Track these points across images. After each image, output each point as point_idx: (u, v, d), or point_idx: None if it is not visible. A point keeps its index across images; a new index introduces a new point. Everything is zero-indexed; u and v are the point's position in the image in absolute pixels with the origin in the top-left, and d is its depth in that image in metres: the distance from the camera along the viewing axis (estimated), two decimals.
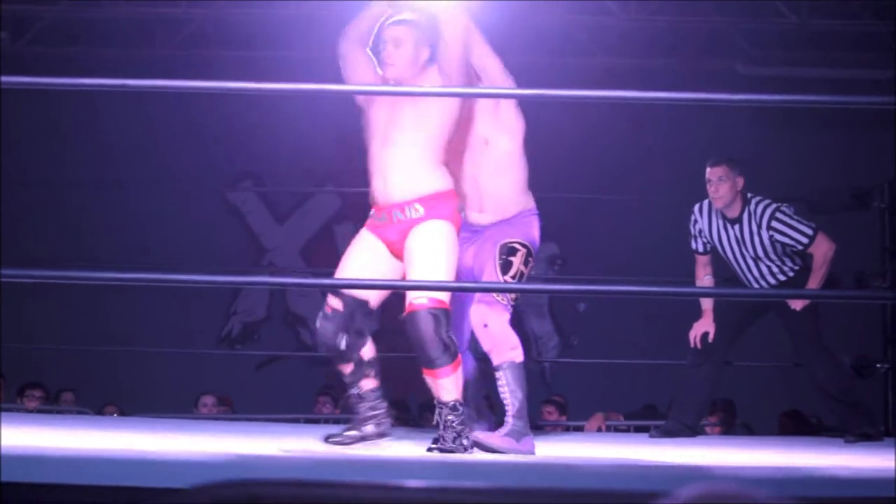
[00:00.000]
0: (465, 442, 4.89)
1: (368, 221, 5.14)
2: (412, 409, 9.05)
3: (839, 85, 9.76)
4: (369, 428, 5.06)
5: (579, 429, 8.84)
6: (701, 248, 6.72)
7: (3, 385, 9.42)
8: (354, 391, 5.07)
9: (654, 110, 10.38)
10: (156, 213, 10.77)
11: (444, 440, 4.87)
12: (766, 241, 6.49)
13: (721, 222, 6.60)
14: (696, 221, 6.70)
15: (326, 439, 5.08)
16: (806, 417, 8.85)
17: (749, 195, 6.56)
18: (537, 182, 11.00)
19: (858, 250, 8.92)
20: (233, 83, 4.51)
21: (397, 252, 5.04)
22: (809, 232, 6.44)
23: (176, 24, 10.52)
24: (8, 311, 10.09)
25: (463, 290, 5.22)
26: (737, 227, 6.55)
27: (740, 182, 6.55)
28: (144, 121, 10.79)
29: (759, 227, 6.48)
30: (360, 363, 5.03)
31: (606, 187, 10.63)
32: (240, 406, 9.63)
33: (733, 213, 6.55)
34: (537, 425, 9.05)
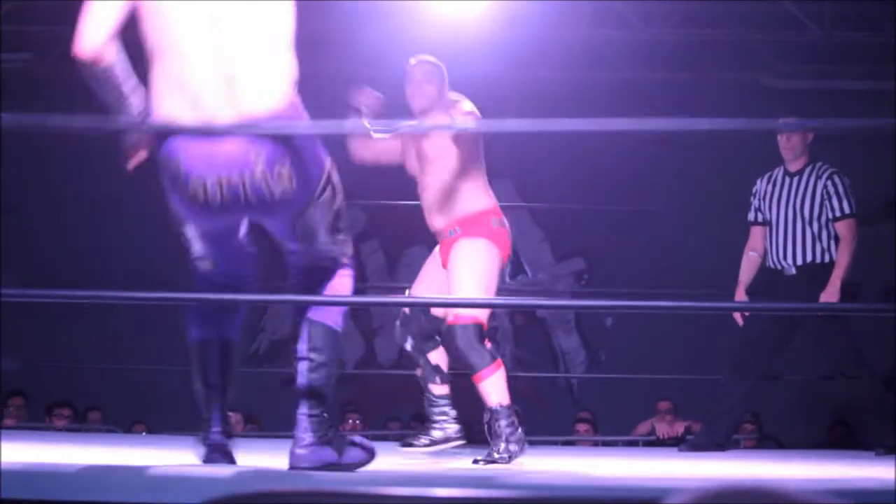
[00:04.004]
0: (511, 448, 5.16)
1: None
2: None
3: (864, 96, 9.72)
4: (437, 433, 5.43)
5: (609, 444, 8.81)
6: (752, 217, 6.75)
7: (24, 404, 9.44)
8: (427, 395, 5.46)
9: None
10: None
11: (491, 451, 5.16)
12: (818, 194, 6.51)
13: (781, 177, 6.65)
14: (755, 192, 6.75)
15: (402, 445, 5.51)
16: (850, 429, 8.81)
17: (819, 161, 6.63)
18: (565, 197, 11.00)
19: (889, 263, 8.89)
20: None
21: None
22: (849, 209, 6.50)
23: None
24: (37, 331, 10.12)
25: (497, 306, 5.29)
26: (797, 178, 6.60)
27: (809, 135, 6.63)
28: None
29: (819, 178, 6.54)
30: (427, 367, 5.43)
31: (633, 201, 10.62)
32: (267, 424, 9.61)
33: (796, 166, 6.63)
34: (569, 441, 9.04)
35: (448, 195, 5.38)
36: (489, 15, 9.71)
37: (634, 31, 10.15)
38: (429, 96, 5.50)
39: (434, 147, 5.44)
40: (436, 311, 5.47)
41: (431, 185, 5.44)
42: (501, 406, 5.20)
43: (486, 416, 5.23)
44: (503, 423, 5.18)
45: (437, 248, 5.56)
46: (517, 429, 5.22)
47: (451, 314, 5.29)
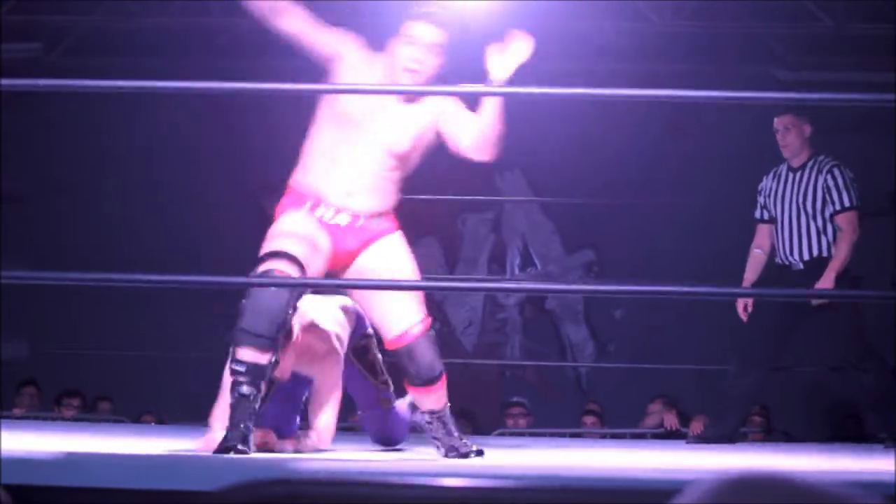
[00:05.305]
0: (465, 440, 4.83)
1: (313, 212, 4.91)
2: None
3: (877, 89, 9.67)
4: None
5: (617, 436, 8.81)
6: (758, 214, 6.75)
7: (37, 393, 9.45)
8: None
9: (690, 115, 10.34)
10: (190, 222, 10.76)
11: (451, 448, 4.72)
12: (819, 188, 6.50)
13: (785, 173, 6.65)
14: (761, 189, 6.75)
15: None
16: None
17: (822, 155, 6.61)
18: (575, 189, 10.99)
19: (892, 256, 8.87)
20: (251, 84, 4.52)
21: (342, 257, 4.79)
22: (849, 202, 6.48)
23: (210, 33, 10.51)
24: (46, 318, 10.14)
25: (472, 290, 5.26)
26: (799, 173, 6.59)
27: (807, 130, 6.61)
28: (179, 130, 10.79)
29: (820, 172, 6.53)
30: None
31: (643, 193, 10.60)
32: None
33: (798, 161, 6.62)
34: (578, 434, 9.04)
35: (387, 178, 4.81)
36: (502, 6, 9.69)
37: (648, 23, 10.13)
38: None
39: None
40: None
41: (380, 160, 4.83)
42: (449, 406, 4.79)
43: (438, 416, 4.74)
44: (449, 421, 4.75)
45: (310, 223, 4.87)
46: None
47: (412, 325, 4.66)
